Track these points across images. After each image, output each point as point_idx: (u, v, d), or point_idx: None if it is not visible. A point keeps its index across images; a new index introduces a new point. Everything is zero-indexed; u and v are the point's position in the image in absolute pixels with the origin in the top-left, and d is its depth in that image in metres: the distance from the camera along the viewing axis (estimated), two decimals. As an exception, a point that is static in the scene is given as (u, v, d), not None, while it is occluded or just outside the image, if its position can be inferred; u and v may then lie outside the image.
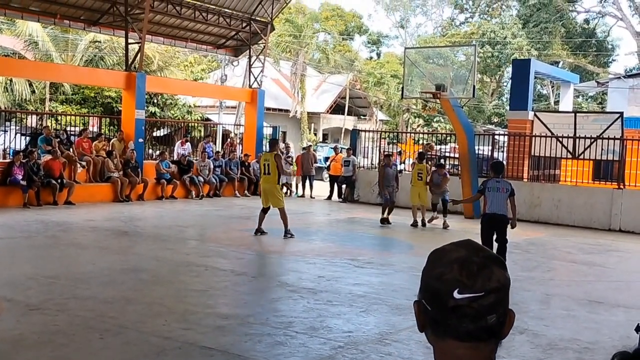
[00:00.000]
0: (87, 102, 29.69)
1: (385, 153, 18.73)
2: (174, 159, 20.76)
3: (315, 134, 43.48)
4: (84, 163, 17.70)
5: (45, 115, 25.54)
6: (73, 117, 23.51)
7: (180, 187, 19.58)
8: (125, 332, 6.35)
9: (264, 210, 12.69)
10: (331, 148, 30.67)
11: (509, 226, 9.91)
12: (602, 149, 17.54)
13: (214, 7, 22.44)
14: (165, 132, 30.66)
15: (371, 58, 60.18)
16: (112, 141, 19.32)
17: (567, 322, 7.43)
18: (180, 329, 6.48)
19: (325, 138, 45.46)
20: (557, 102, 36.78)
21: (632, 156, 17.34)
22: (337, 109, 45.45)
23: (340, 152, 22.52)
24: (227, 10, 23.00)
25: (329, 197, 21.64)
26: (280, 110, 40.02)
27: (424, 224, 15.76)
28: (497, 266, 1.33)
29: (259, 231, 12.66)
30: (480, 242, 8.91)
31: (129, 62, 19.91)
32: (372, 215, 17.20)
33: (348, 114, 44.76)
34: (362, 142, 22.74)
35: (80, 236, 12.41)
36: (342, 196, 21.24)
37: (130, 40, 20.08)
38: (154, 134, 29.69)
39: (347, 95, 44.18)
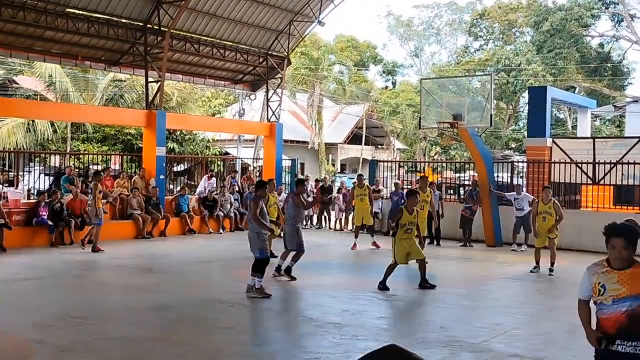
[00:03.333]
0: (107, 140, 30.14)
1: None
2: (200, 192, 20.89)
3: (333, 165, 43.66)
4: (110, 199, 17.82)
5: (67, 155, 25.94)
6: (95, 156, 23.83)
7: (201, 222, 19.74)
8: (156, 372, 6.42)
9: None
10: (349, 178, 30.72)
11: None
12: (622, 174, 17.49)
13: (231, 43, 22.82)
14: (185, 167, 30.97)
15: (386, 87, 60.54)
16: (134, 178, 19.55)
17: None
18: (210, 368, 6.53)
19: (343, 168, 45.63)
20: (574, 127, 36.71)
21: (653, 180, 17.27)
22: (354, 139, 45.68)
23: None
24: (244, 47, 23.37)
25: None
26: (298, 142, 40.29)
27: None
28: None
29: None
30: None
31: (149, 100, 20.26)
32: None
33: (365, 144, 44.97)
34: (380, 172, 22.82)
35: (105, 275, 12.55)
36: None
37: (149, 79, 20.46)
38: (174, 169, 30.01)
39: (363, 125, 44.44)
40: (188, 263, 14.01)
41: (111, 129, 29.68)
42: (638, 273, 4.20)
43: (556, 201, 13.45)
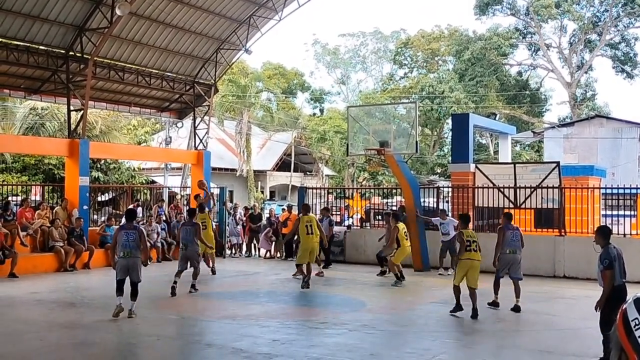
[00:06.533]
0: (27, 170, 29.12)
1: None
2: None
3: (262, 192, 43.55)
4: (31, 231, 17.19)
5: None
6: (14, 187, 22.98)
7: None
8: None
9: None
10: (278, 205, 30.74)
11: None
12: (542, 198, 18.09)
13: (157, 71, 22.56)
14: (110, 197, 30.22)
15: (314, 114, 61.05)
16: (55, 209, 18.94)
17: (520, 374, 7.55)
18: (135, 406, 6.34)
19: (272, 195, 45.58)
20: (496, 152, 37.92)
21: (571, 203, 17.93)
22: (283, 166, 45.77)
23: (291, 210, 22.43)
24: (171, 74, 23.15)
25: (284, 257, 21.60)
26: (227, 169, 40.05)
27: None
28: None
29: None
30: None
31: (72, 129, 19.74)
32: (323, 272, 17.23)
33: (294, 171, 45.11)
34: (309, 199, 22.89)
35: (25, 310, 12.04)
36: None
37: (72, 107, 19.95)
38: (98, 198, 29.24)
39: (292, 152, 44.62)
40: (112, 296, 13.57)
41: (31, 158, 28.73)
42: None
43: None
